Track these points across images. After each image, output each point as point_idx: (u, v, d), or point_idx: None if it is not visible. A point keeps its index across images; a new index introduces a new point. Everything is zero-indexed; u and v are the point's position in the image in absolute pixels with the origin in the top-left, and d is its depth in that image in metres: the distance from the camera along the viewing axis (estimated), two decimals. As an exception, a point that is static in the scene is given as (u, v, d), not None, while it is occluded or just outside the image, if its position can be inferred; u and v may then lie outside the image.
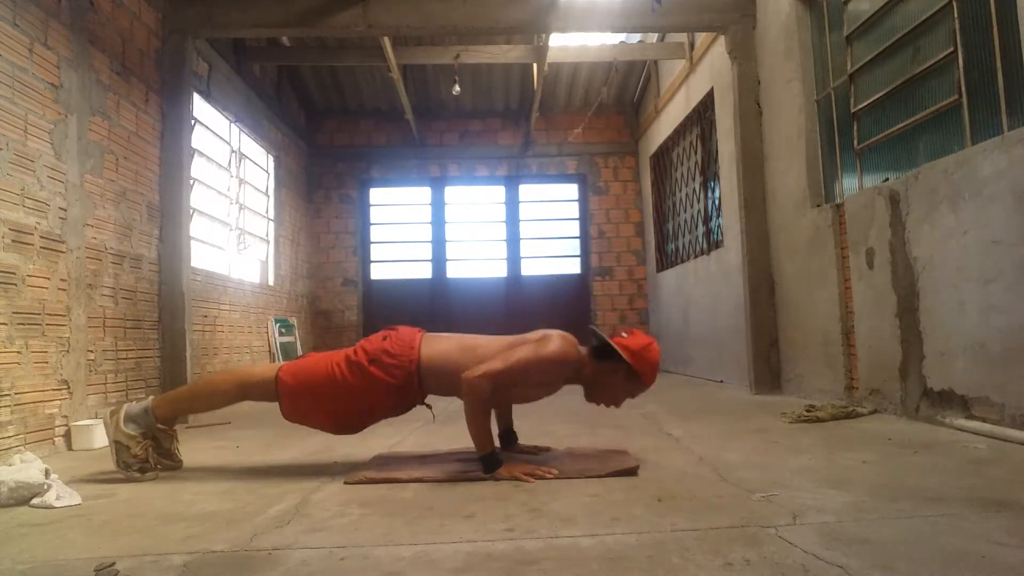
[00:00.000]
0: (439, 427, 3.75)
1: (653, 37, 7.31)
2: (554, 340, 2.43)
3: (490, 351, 2.47)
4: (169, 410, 2.62)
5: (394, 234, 9.13)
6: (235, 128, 6.36)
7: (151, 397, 2.67)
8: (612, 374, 2.45)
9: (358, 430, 2.64)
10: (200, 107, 5.44)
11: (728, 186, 5.75)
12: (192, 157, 5.01)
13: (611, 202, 8.94)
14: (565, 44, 7.14)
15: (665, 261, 8.09)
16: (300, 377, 2.52)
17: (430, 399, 2.62)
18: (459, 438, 3.25)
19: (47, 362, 3.34)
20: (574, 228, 9.12)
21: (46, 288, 3.34)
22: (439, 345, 2.53)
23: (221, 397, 2.64)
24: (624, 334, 2.50)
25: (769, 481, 2.10)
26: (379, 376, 2.46)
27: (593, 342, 2.50)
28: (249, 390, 2.58)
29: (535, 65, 7.32)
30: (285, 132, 7.70)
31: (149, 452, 2.55)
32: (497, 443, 2.55)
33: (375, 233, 9.09)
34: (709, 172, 6.52)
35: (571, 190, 9.19)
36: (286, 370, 2.54)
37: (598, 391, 2.52)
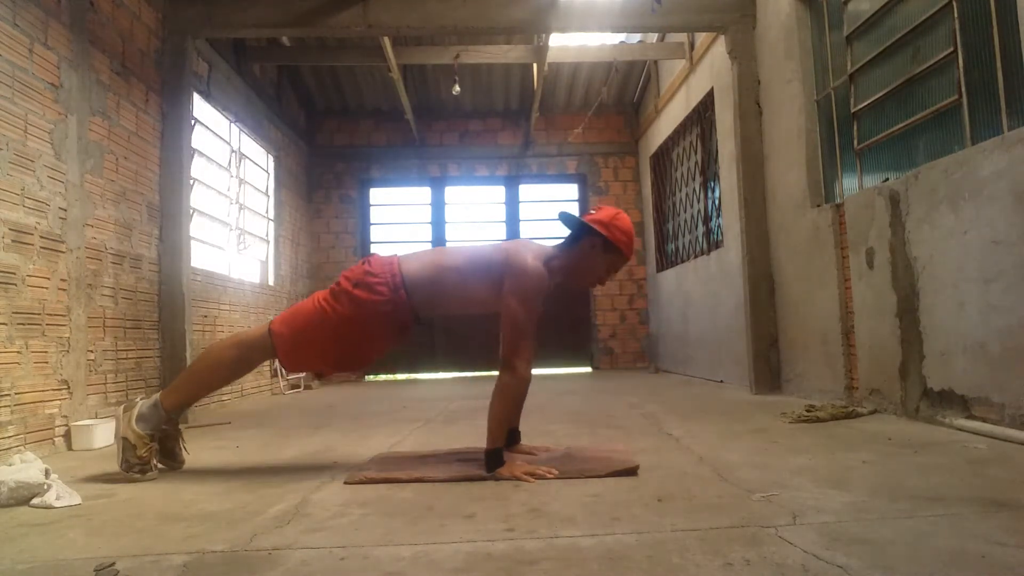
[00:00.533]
0: (439, 427, 3.75)
1: (653, 37, 7.32)
2: (526, 262, 2.41)
3: (475, 278, 2.49)
4: (176, 398, 2.59)
5: (394, 234, 9.13)
6: (235, 128, 6.36)
7: (159, 392, 2.65)
8: (589, 253, 2.49)
9: (363, 365, 2.63)
10: (200, 107, 5.44)
11: (728, 186, 5.75)
12: (192, 157, 5.01)
13: (611, 202, 8.93)
14: (565, 44, 7.15)
15: (665, 261, 8.09)
16: (292, 323, 2.53)
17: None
18: (459, 438, 3.25)
19: (47, 362, 3.34)
20: (574, 228, 9.10)
21: (46, 288, 3.34)
22: (419, 259, 2.58)
23: (223, 370, 2.62)
24: (593, 211, 2.57)
25: (769, 481, 2.10)
26: (366, 297, 2.46)
27: (567, 229, 2.55)
28: (247, 352, 2.58)
29: (535, 65, 7.32)
30: (285, 132, 7.70)
31: (152, 454, 2.54)
32: None
33: (375, 233, 9.09)
34: (709, 172, 6.52)
35: (571, 190, 9.20)
36: (277, 321, 2.56)
37: (580, 275, 2.55)
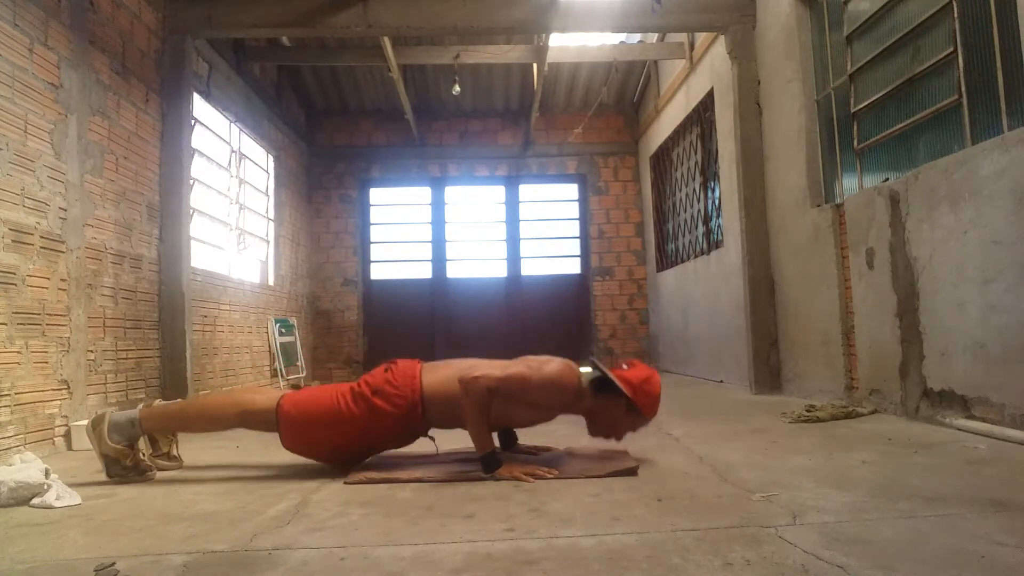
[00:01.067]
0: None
1: (653, 37, 7.31)
2: (555, 363, 2.45)
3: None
4: (157, 424, 2.58)
5: (394, 234, 9.12)
6: (235, 128, 6.36)
7: (139, 406, 2.62)
8: (613, 407, 2.45)
9: (358, 462, 2.61)
10: (200, 107, 5.44)
11: (728, 186, 5.75)
12: (192, 157, 5.01)
13: (611, 202, 8.94)
14: (565, 44, 7.14)
15: (665, 261, 8.09)
16: (303, 407, 2.50)
17: (433, 432, 2.61)
18: (459, 439, 3.25)
19: (47, 362, 3.34)
20: (574, 228, 9.12)
21: (46, 288, 3.34)
22: (440, 372, 2.53)
23: (218, 423, 2.61)
24: (625, 366, 2.51)
25: (769, 481, 2.10)
26: (383, 407, 2.46)
27: (594, 374, 2.50)
28: (248, 418, 2.55)
29: (535, 65, 7.32)
30: (285, 132, 7.70)
31: (139, 458, 2.52)
32: (497, 443, 2.56)
33: (375, 233, 9.08)
34: (709, 172, 6.52)
35: (571, 190, 9.19)
36: (289, 400, 2.53)
37: (599, 423, 2.53)
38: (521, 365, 2.45)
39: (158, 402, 2.74)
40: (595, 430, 2.56)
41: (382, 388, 2.48)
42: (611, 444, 2.64)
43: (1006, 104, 2.82)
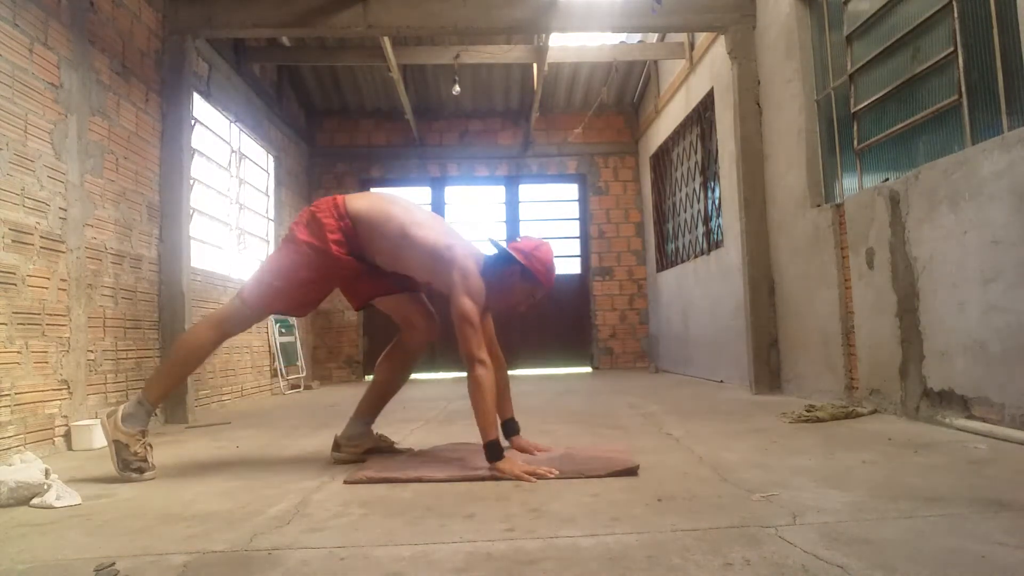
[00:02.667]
0: (439, 427, 3.75)
1: (653, 37, 7.31)
2: (476, 277, 2.52)
3: (417, 248, 2.58)
4: (159, 388, 2.66)
5: (394, 234, 9.10)
6: (235, 128, 6.36)
7: (139, 392, 2.69)
8: (509, 277, 2.60)
9: (317, 303, 2.81)
10: (200, 107, 5.44)
11: (728, 186, 5.75)
12: (192, 157, 5.01)
13: (611, 202, 8.94)
14: (565, 44, 7.14)
15: (665, 261, 8.09)
16: (255, 280, 2.71)
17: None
18: (458, 438, 3.25)
19: (47, 362, 3.34)
20: (574, 228, 9.12)
21: (46, 288, 3.34)
22: (366, 199, 2.71)
23: (203, 351, 2.73)
24: (519, 240, 2.71)
25: (769, 481, 2.10)
26: (312, 239, 2.61)
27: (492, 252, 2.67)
28: (223, 324, 2.71)
29: (535, 65, 7.32)
30: (285, 132, 7.70)
31: (148, 451, 2.56)
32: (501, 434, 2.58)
33: (375, 233, 9.07)
34: (709, 172, 6.52)
35: (571, 190, 9.20)
36: (245, 290, 2.71)
37: (499, 297, 2.65)
38: (464, 297, 2.49)
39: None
40: (496, 303, 2.67)
41: (310, 218, 2.65)
42: (611, 443, 2.63)
43: (1006, 104, 2.82)
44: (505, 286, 2.61)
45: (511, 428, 2.79)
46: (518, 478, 2.27)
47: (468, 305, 2.47)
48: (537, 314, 8.69)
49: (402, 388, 2.96)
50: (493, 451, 2.36)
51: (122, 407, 2.59)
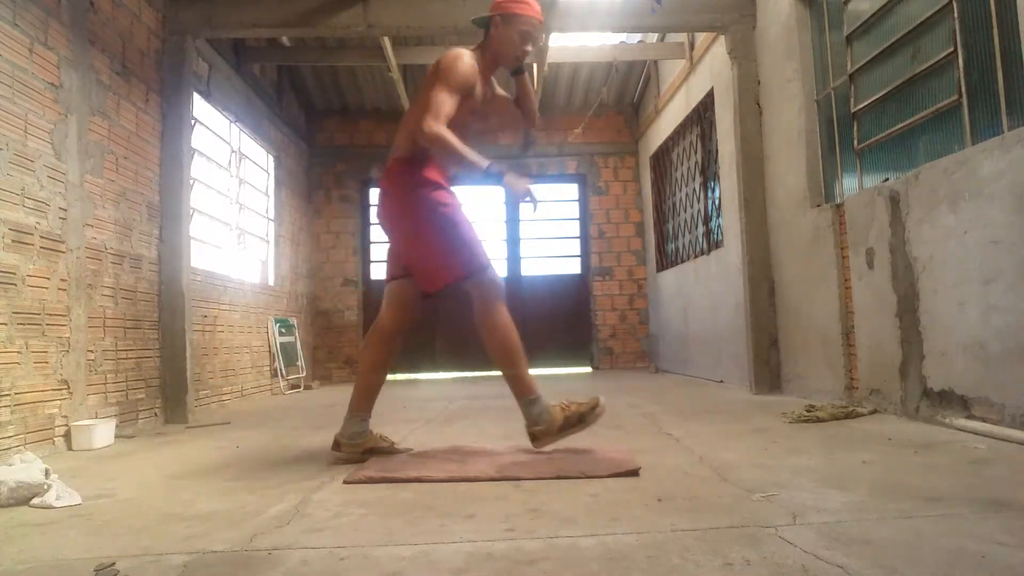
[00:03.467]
0: (439, 427, 3.75)
1: (653, 37, 7.31)
2: (449, 56, 2.58)
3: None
4: (359, 401, 2.78)
5: (394, 234, 9.11)
6: (235, 128, 6.36)
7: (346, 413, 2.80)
8: (495, 32, 2.68)
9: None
10: (200, 107, 5.44)
11: (728, 186, 5.75)
12: (192, 157, 5.01)
13: (611, 202, 8.94)
14: (565, 44, 7.14)
15: (665, 261, 8.09)
16: (457, 253, 2.66)
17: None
18: (459, 438, 3.26)
19: (47, 362, 3.34)
20: (574, 228, 9.12)
21: (46, 288, 3.35)
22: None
23: (381, 365, 2.84)
24: None
25: (769, 481, 2.10)
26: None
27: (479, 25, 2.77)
28: (384, 338, 2.81)
29: (535, 65, 7.31)
30: (285, 132, 7.70)
31: (376, 439, 2.77)
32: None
33: (375, 233, 9.08)
34: (709, 172, 6.52)
35: (571, 190, 9.19)
36: (464, 269, 2.68)
37: (502, 55, 2.72)
38: (432, 85, 2.53)
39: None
40: (503, 61, 2.75)
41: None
42: (611, 443, 2.63)
43: (1006, 104, 2.82)
44: (499, 41, 2.69)
45: (527, 141, 2.97)
46: (525, 189, 2.52)
47: (437, 88, 2.52)
48: (537, 314, 8.71)
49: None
50: (493, 170, 2.51)
51: (337, 436, 2.79)
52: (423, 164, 2.66)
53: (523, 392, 2.63)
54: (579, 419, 2.59)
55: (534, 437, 2.63)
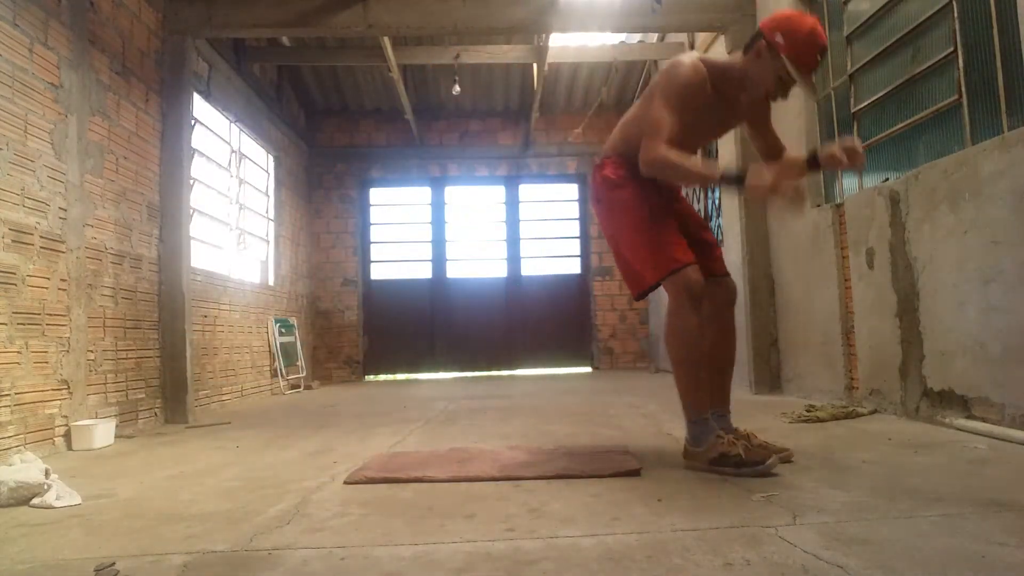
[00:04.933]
0: (439, 427, 3.75)
1: (653, 37, 7.31)
2: (675, 66, 2.30)
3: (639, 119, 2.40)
4: (689, 397, 2.34)
5: (394, 234, 9.13)
6: (235, 128, 6.36)
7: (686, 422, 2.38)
8: (756, 57, 2.26)
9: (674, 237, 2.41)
10: (200, 107, 5.44)
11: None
12: (192, 157, 5.01)
13: (611, 202, 8.92)
14: (565, 44, 7.14)
15: (665, 261, 8.08)
16: (647, 253, 2.40)
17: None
18: (459, 438, 3.26)
19: (47, 362, 3.34)
20: (574, 228, 9.12)
21: (46, 288, 3.34)
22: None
23: (696, 330, 2.33)
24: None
25: (769, 481, 2.10)
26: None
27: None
28: (691, 298, 2.30)
29: (535, 65, 7.32)
30: (285, 132, 7.70)
31: (736, 443, 2.23)
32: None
33: (375, 233, 9.09)
34: (709, 172, 6.51)
35: (571, 190, 9.20)
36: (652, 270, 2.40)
37: (749, 84, 2.33)
38: (652, 99, 2.32)
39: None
40: (749, 91, 2.35)
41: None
42: (612, 443, 2.59)
43: (1006, 104, 2.82)
44: (754, 69, 2.28)
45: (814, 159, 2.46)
46: (774, 188, 2.12)
47: (655, 106, 2.28)
48: (537, 314, 8.71)
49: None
50: (730, 177, 2.20)
51: (686, 443, 2.35)
52: (621, 164, 2.45)
53: (686, 410, 2.36)
54: (737, 463, 2.19)
55: (686, 454, 2.37)
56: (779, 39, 2.20)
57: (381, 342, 8.76)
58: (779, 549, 1.46)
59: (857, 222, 3.78)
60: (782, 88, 2.29)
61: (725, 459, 2.21)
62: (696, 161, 2.31)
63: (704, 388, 2.37)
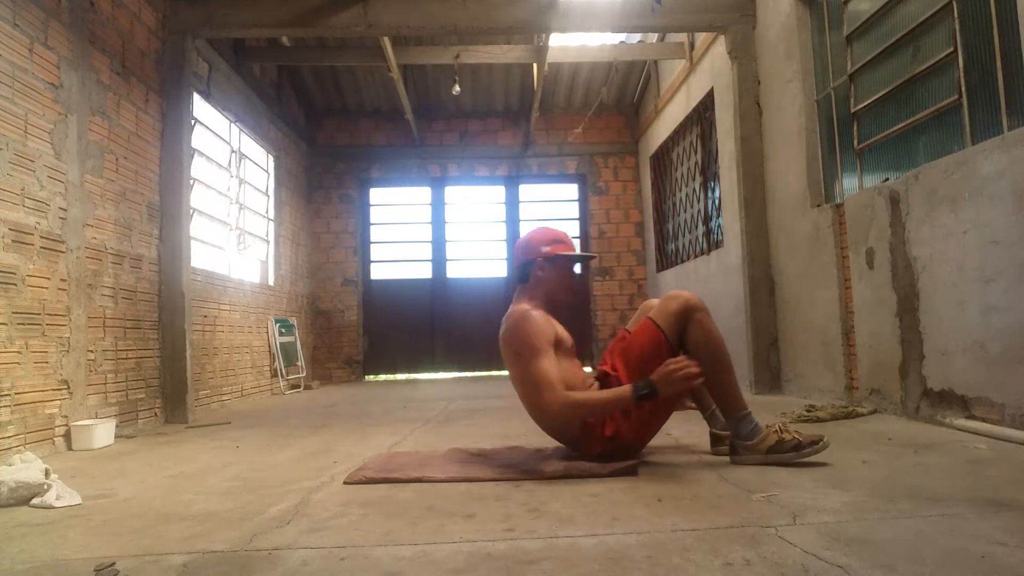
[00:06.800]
0: (439, 427, 3.75)
1: (653, 37, 7.31)
2: (514, 326, 2.49)
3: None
4: (729, 398, 2.46)
5: (394, 234, 9.13)
6: (235, 128, 6.36)
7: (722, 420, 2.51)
8: (543, 276, 2.60)
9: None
10: (200, 107, 5.44)
11: (728, 186, 5.75)
12: (192, 157, 5.01)
13: (611, 202, 8.94)
14: (565, 44, 7.14)
15: (665, 261, 8.09)
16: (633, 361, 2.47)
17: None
18: (459, 438, 3.25)
19: (47, 362, 3.34)
20: (574, 228, 9.11)
21: (46, 288, 3.34)
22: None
23: (718, 335, 2.49)
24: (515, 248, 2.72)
25: (769, 481, 2.10)
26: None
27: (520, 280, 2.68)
28: (697, 301, 2.46)
29: (535, 65, 7.32)
30: (285, 132, 7.70)
31: (786, 431, 2.35)
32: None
33: (375, 233, 9.09)
34: (709, 172, 6.52)
35: (571, 190, 9.20)
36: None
37: (555, 296, 2.65)
38: (516, 364, 2.47)
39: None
40: (559, 301, 2.66)
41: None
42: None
43: (1006, 104, 2.82)
44: (549, 285, 2.61)
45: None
46: (686, 376, 2.19)
47: (526, 368, 2.41)
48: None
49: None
50: (641, 389, 2.21)
51: (732, 442, 2.43)
52: None
53: (728, 409, 2.47)
54: (795, 446, 2.29)
55: (734, 450, 2.42)
56: (546, 249, 2.57)
57: (381, 342, 8.76)
58: (779, 549, 1.46)
59: (857, 222, 3.78)
60: (574, 280, 2.68)
61: (782, 445, 2.32)
62: (602, 393, 2.35)
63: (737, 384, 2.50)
